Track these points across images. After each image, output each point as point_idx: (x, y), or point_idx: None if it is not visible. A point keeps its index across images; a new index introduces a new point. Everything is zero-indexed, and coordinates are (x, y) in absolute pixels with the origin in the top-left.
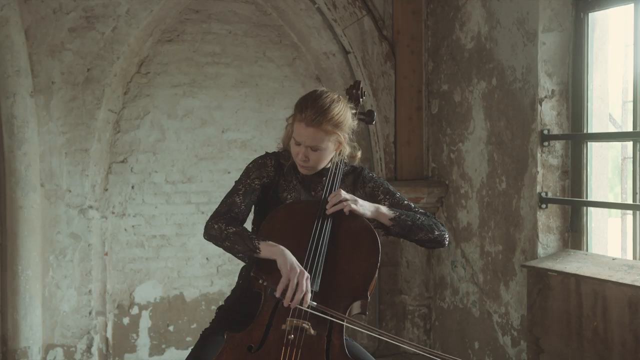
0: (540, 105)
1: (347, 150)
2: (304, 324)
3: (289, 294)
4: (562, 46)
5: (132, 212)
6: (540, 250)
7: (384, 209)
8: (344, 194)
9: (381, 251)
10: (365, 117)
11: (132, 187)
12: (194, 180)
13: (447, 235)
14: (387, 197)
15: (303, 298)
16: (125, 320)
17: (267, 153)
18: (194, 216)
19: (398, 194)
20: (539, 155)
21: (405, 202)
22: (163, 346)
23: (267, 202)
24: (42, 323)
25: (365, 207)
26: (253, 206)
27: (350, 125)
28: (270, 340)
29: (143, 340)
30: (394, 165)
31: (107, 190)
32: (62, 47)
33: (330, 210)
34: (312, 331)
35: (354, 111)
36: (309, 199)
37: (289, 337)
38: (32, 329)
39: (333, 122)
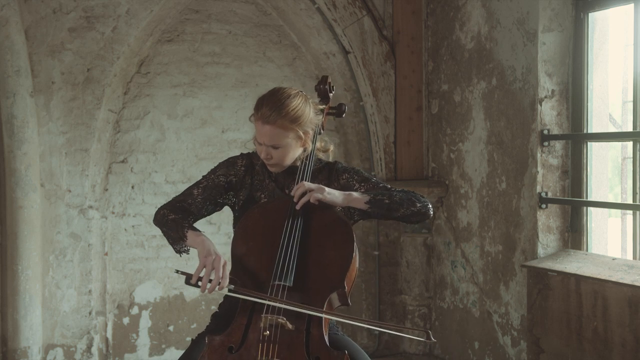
0: (540, 105)
1: (311, 145)
2: (279, 320)
3: (204, 280)
4: (562, 46)
5: (132, 212)
6: (540, 250)
7: (356, 194)
8: (307, 184)
9: (356, 240)
10: (335, 110)
11: (132, 187)
12: (194, 180)
13: (430, 206)
14: (363, 184)
15: (220, 284)
16: (125, 320)
17: (241, 153)
18: None
19: (374, 179)
20: (539, 155)
21: (382, 184)
22: (163, 346)
23: (243, 203)
24: (42, 323)
25: (334, 195)
26: (234, 207)
27: (310, 120)
28: (250, 339)
29: (143, 340)
30: (394, 165)
31: (107, 190)
32: (62, 47)
33: (299, 204)
34: (289, 326)
35: (321, 106)
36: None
37: (264, 333)
38: (32, 329)
39: (289, 118)
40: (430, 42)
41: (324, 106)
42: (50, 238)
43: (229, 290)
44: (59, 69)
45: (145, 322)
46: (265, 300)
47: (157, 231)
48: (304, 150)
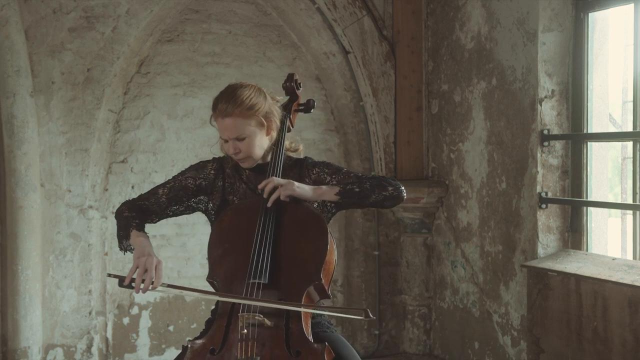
0: (540, 105)
1: (276, 134)
2: (256, 317)
3: (137, 280)
4: (562, 46)
5: None
6: (540, 250)
7: (325, 187)
8: (277, 179)
9: (330, 233)
10: (303, 106)
11: (132, 187)
12: None
13: (402, 188)
14: (334, 176)
15: (153, 283)
16: (125, 320)
17: (213, 157)
18: (194, 216)
19: (344, 169)
20: (539, 155)
21: (352, 173)
22: (163, 346)
23: (218, 208)
24: (42, 323)
25: (304, 189)
26: (209, 213)
27: (269, 107)
28: (231, 340)
29: (143, 340)
30: (394, 165)
31: (107, 190)
32: (62, 47)
33: (269, 201)
34: (267, 323)
35: (279, 98)
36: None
37: (243, 332)
38: (32, 329)
39: (245, 106)
40: (430, 42)
41: (280, 97)
42: (50, 238)
43: (164, 285)
44: (59, 69)
45: (145, 322)
46: (214, 296)
47: (157, 231)
48: (271, 140)
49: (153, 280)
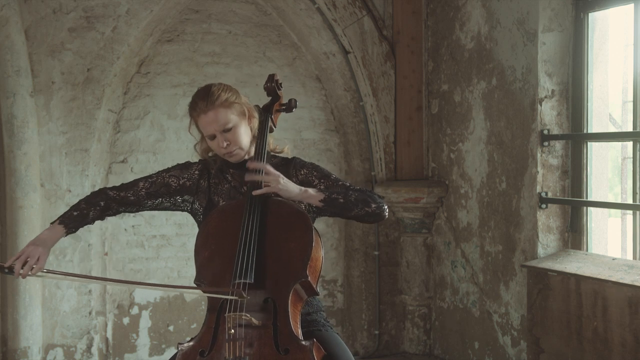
0: (540, 105)
1: (257, 123)
2: (243, 317)
3: (17, 266)
4: (562, 46)
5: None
6: (540, 250)
7: (312, 191)
8: (269, 167)
9: (315, 229)
10: (285, 106)
11: None
12: None
13: (385, 207)
14: (322, 180)
15: (32, 269)
16: (125, 320)
17: (199, 159)
18: None
19: (333, 176)
20: (539, 155)
21: (341, 182)
22: (163, 346)
23: (204, 210)
24: (42, 323)
25: (289, 187)
26: (195, 213)
27: (242, 98)
28: (220, 340)
29: (143, 340)
30: (394, 165)
31: None
32: (62, 47)
33: (257, 192)
34: (255, 322)
35: (244, 97)
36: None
37: (230, 332)
38: (32, 329)
39: (223, 97)
40: (430, 42)
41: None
42: None
43: (46, 271)
44: (59, 69)
45: (145, 322)
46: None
47: (157, 231)
48: (252, 130)
49: (33, 267)
